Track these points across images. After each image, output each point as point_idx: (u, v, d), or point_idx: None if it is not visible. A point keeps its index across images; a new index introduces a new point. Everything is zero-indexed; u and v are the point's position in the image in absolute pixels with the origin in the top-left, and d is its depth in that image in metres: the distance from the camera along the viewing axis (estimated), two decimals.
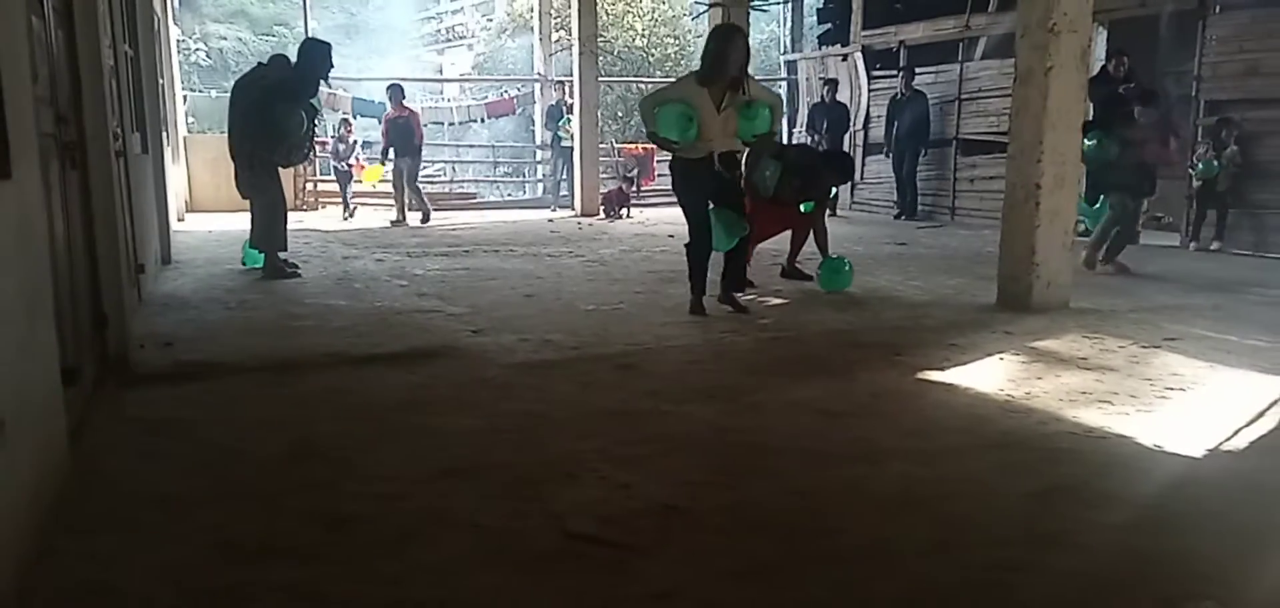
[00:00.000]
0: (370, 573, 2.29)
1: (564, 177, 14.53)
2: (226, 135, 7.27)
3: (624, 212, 13.02)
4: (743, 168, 6.13)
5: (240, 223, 8.56)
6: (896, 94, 12.53)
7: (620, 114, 25.56)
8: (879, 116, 13.22)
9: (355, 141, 12.73)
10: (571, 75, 13.77)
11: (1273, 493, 2.87)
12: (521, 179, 18.81)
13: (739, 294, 5.84)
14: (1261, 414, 3.67)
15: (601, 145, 14.31)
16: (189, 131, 15.29)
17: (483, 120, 20.40)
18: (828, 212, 7.88)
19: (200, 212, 12.81)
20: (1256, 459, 3.21)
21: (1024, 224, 5.66)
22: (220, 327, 5.31)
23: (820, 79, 14.01)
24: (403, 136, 11.47)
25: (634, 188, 13.91)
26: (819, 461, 3.14)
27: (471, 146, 21.01)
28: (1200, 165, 8.94)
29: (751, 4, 9.41)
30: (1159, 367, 4.38)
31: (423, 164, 12.46)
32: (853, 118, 13.63)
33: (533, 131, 18.78)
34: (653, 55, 26.31)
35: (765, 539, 2.51)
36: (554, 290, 6.65)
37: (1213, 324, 5.41)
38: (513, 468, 3.04)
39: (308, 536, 2.50)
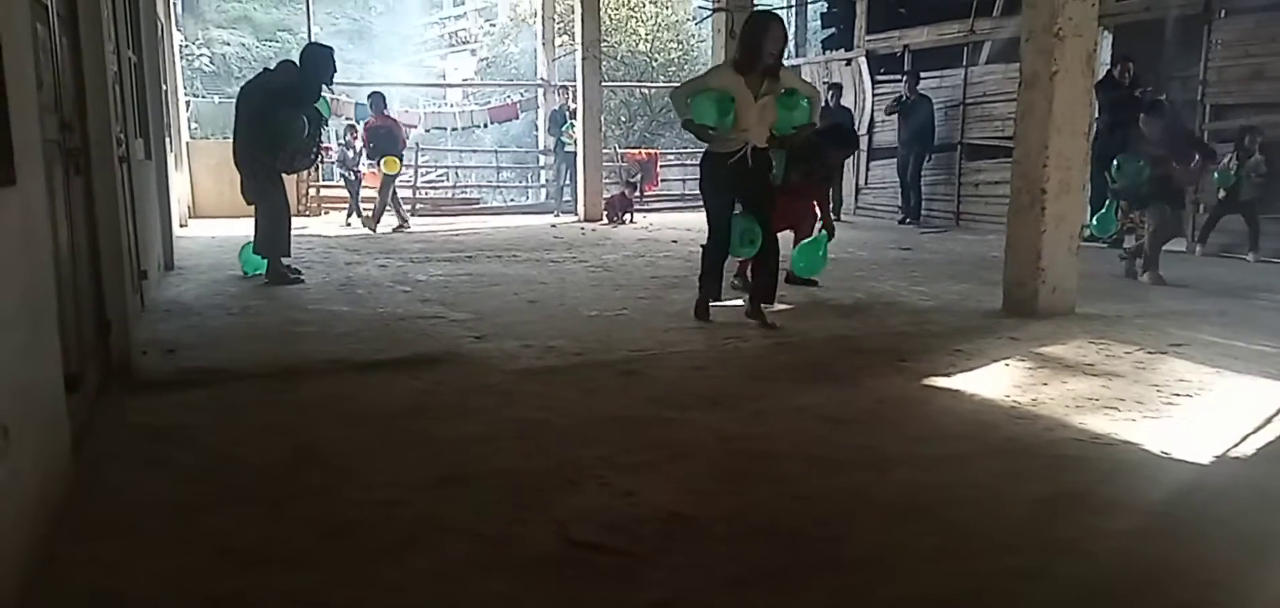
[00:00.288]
0: (372, 580, 2.28)
1: (567, 182, 14.52)
2: (232, 141, 7.27)
3: (627, 217, 13.02)
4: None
5: (243, 229, 8.56)
6: (900, 96, 12.47)
7: (624, 119, 25.58)
8: (883, 121, 13.21)
9: (362, 148, 12.73)
10: (575, 80, 13.78)
11: None
12: (525, 184, 18.81)
13: (767, 307, 5.53)
14: (1269, 420, 3.64)
15: (604, 151, 14.30)
16: (192, 137, 15.33)
17: (485, 125, 20.41)
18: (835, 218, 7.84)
19: (203, 217, 12.84)
20: (1264, 466, 3.19)
21: (1029, 229, 5.64)
22: (223, 333, 5.31)
23: (824, 83, 14.01)
24: (386, 144, 11.44)
25: (637, 193, 13.91)
26: (824, 467, 3.12)
27: (475, 152, 21.01)
28: (1216, 175, 8.74)
29: (755, 9, 9.38)
30: (1166, 373, 4.36)
31: (403, 168, 12.37)
32: (857, 122, 13.62)
33: (536, 137, 18.80)
34: (656, 60, 26.30)
35: (769, 547, 2.49)
36: (557, 296, 6.64)
37: (1219, 330, 5.38)
38: (515, 475, 3.03)
39: (309, 542, 2.50)
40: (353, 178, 12.42)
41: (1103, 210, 9.05)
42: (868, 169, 14.03)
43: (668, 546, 2.49)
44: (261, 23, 32.70)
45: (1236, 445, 3.35)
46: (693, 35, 25.80)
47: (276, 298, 6.49)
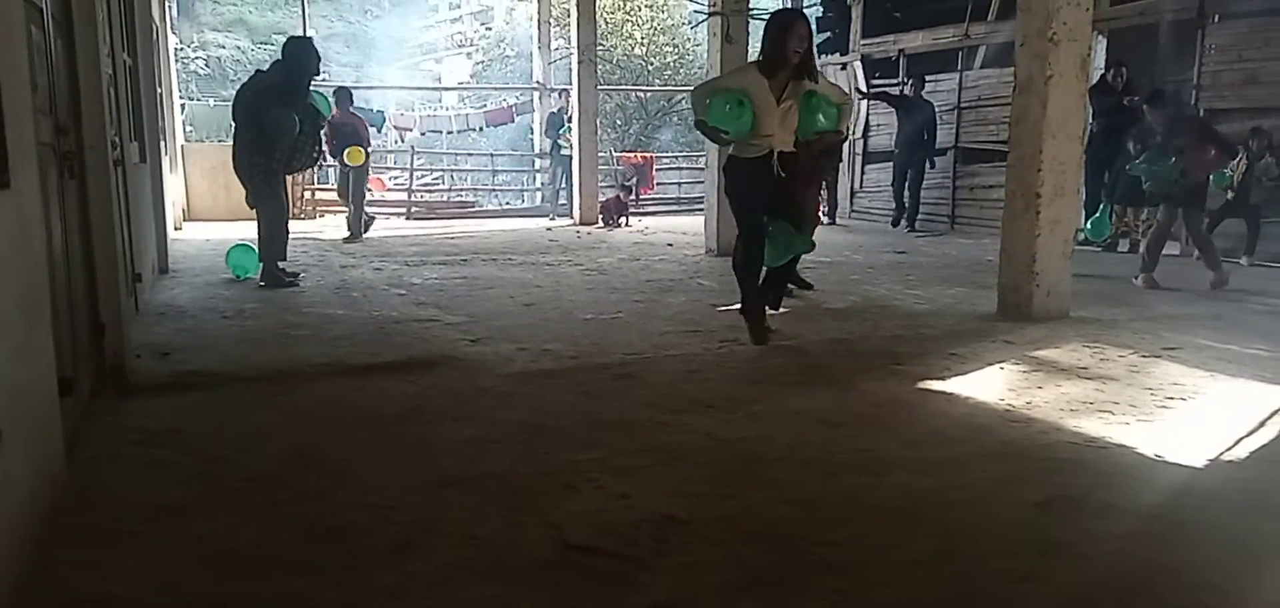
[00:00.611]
0: (366, 584, 2.27)
1: (563, 185, 14.51)
2: (232, 149, 7.22)
3: (622, 220, 13.03)
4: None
5: (238, 232, 8.56)
6: (902, 91, 12.27)
7: (619, 122, 25.62)
8: (879, 125, 13.20)
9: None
10: (570, 84, 13.78)
11: (1275, 503, 2.86)
12: (520, 188, 18.82)
13: (773, 312, 5.39)
14: (1263, 424, 3.66)
15: (599, 155, 14.30)
16: (186, 140, 15.30)
17: (481, 129, 20.43)
18: (826, 220, 7.84)
19: (198, 221, 12.81)
20: (1258, 469, 3.20)
21: (1024, 233, 5.66)
22: (217, 336, 5.30)
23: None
24: (350, 138, 10.77)
25: (633, 196, 13.91)
26: (819, 471, 3.13)
27: (471, 155, 21.03)
28: (1226, 174, 8.57)
29: (751, 13, 9.38)
30: (1160, 376, 4.38)
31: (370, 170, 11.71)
32: (852, 126, 13.62)
33: (532, 140, 18.82)
34: (652, 64, 26.36)
35: (764, 550, 2.49)
36: (552, 299, 6.64)
37: (1213, 333, 5.40)
38: (510, 478, 3.03)
39: (304, 546, 2.49)
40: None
41: (1097, 214, 9.09)
42: (863, 173, 14.05)
43: (663, 549, 2.48)
44: (256, 26, 32.70)
45: (1230, 449, 3.35)
46: (688, 39, 25.84)
47: (271, 301, 6.48)
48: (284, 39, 7.38)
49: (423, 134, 19.59)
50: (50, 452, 2.71)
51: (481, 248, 10.08)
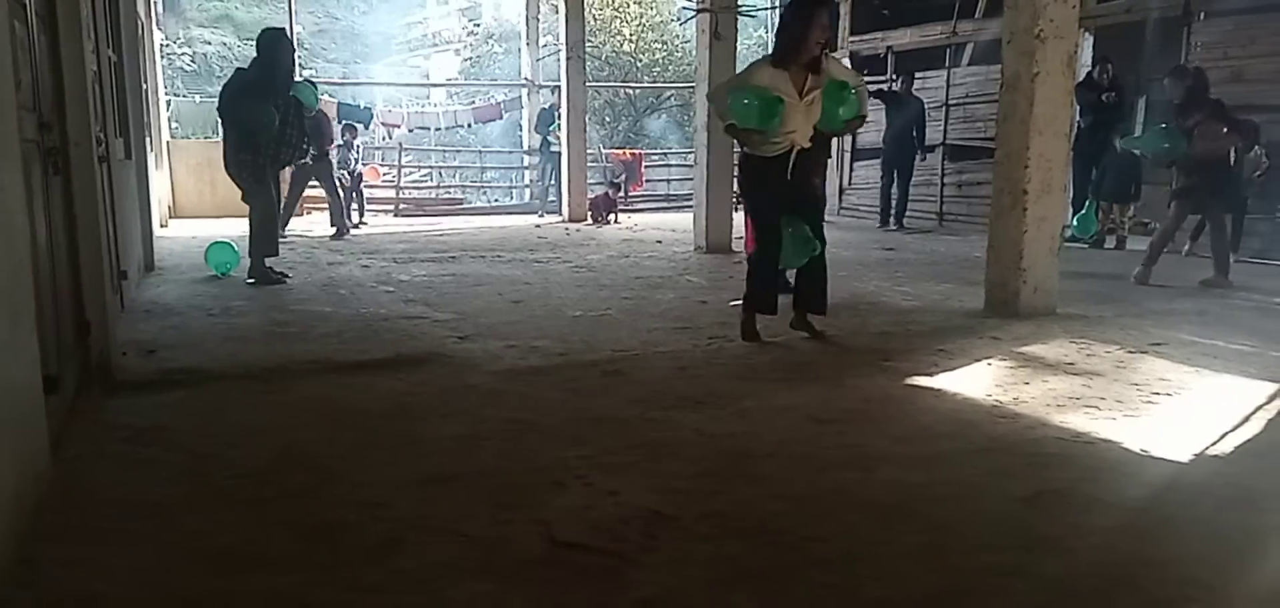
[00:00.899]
0: (354, 582, 2.27)
1: (552, 182, 14.48)
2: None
3: (612, 217, 13.03)
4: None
5: (224, 229, 8.52)
6: (890, 87, 12.16)
7: (608, 119, 25.59)
8: (869, 119, 13.18)
9: (361, 146, 12.58)
10: (558, 81, 13.76)
11: (1259, 497, 2.88)
12: (509, 185, 18.77)
13: (816, 317, 5.13)
14: (1247, 419, 3.69)
15: (588, 152, 14.29)
16: (173, 137, 15.21)
17: (470, 126, 20.37)
18: None
19: (183, 217, 12.75)
20: (1243, 463, 3.22)
21: (1011, 230, 5.68)
22: (204, 333, 5.27)
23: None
24: (312, 138, 10.76)
25: (622, 193, 13.91)
26: (807, 467, 3.13)
27: (459, 151, 20.97)
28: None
29: (739, 10, 9.39)
30: (1146, 372, 4.40)
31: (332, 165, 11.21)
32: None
33: (520, 137, 18.79)
34: (641, 61, 26.33)
35: (753, 546, 2.49)
36: (541, 296, 6.63)
37: (1199, 329, 5.43)
38: (499, 475, 3.02)
39: (292, 543, 2.48)
40: (350, 181, 12.20)
41: (1083, 211, 9.15)
42: (852, 170, 14.08)
43: (652, 545, 2.49)
44: (243, 22, 32.51)
45: (1215, 444, 3.38)
46: (677, 36, 25.82)
47: (259, 299, 6.45)
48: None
49: (411, 131, 19.50)
50: (35, 450, 2.69)
51: (470, 245, 10.06)
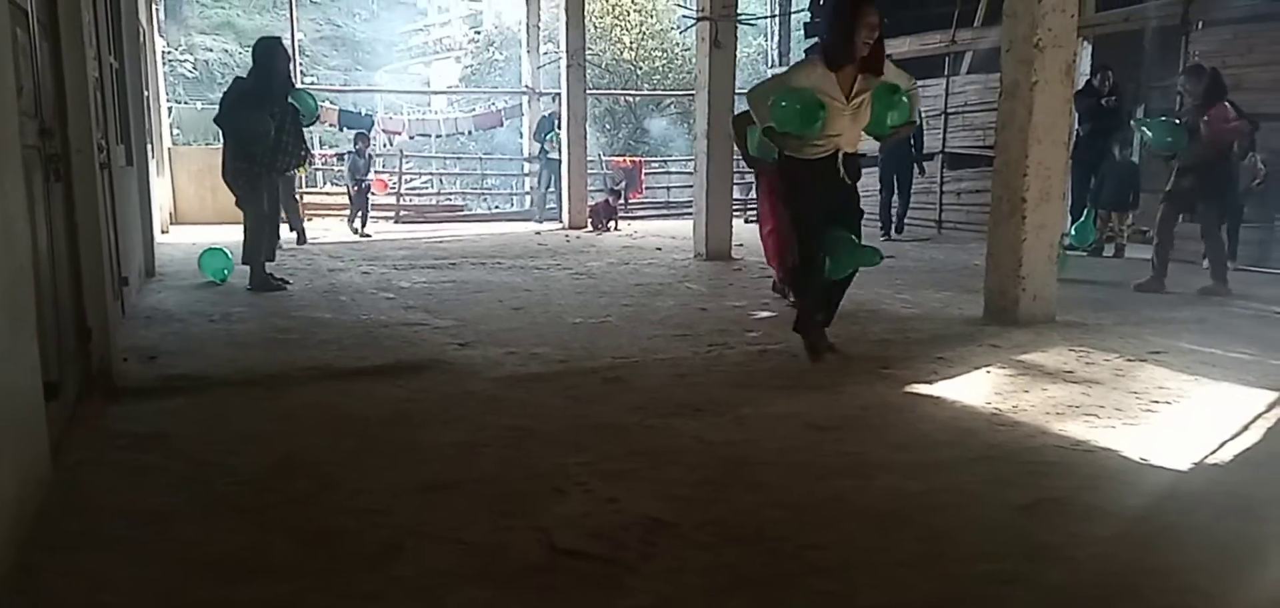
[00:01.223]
0: (353, 588, 2.27)
1: (552, 189, 14.48)
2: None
3: (612, 224, 13.04)
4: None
5: (225, 236, 8.52)
6: None
7: (608, 126, 25.64)
8: None
9: (372, 156, 12.58)
10: (559, 88, 13.78)
11: (1258, 506, 2.88)
12: (510, 192, 18.81)
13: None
14: (1246, 427, 3.68)
15: (589, 159, 14.30)
16: (174, 144, 15.25)
17: (470, 133, 20.41)
18: None
19: (184, 224, 12.76)
20: (1242, 472, 3.22)
21: (1010, 238, 5.68)
22: (205, 340, 5.27)
23: None
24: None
25: (622, 200, 13.92)
26: (806, 474, 3.14)
27: (459, 158, 21.01)
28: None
29: (739, 18, 9.42)
30: (1145, 380, 4.40)
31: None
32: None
33: (521, 144, 18.83)
34: (641, 69, 26.40)
35: (752, 553, 2.50)
36: (541, 303, 6.64)
37: (1198, 337, 5.44)
38: (498, 482, 3.03)
39: (292, 551, 2.48)
40: (357, 189, 12.19)
41: (1081, 220, 9.15)
42: None
43: (651, 552, 2.49)
44: (244, 29, 32.60)
45: (1214, 452, 3.38)
46: (677, 43, 25.89)
47: (259, 305, 6.46)
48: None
49: (411, 138, 19.55)
50: (35, 456, 2.69)
51: (470, 252, 10.07)
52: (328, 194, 15.73)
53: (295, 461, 3.20)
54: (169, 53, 20.19)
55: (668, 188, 18.09)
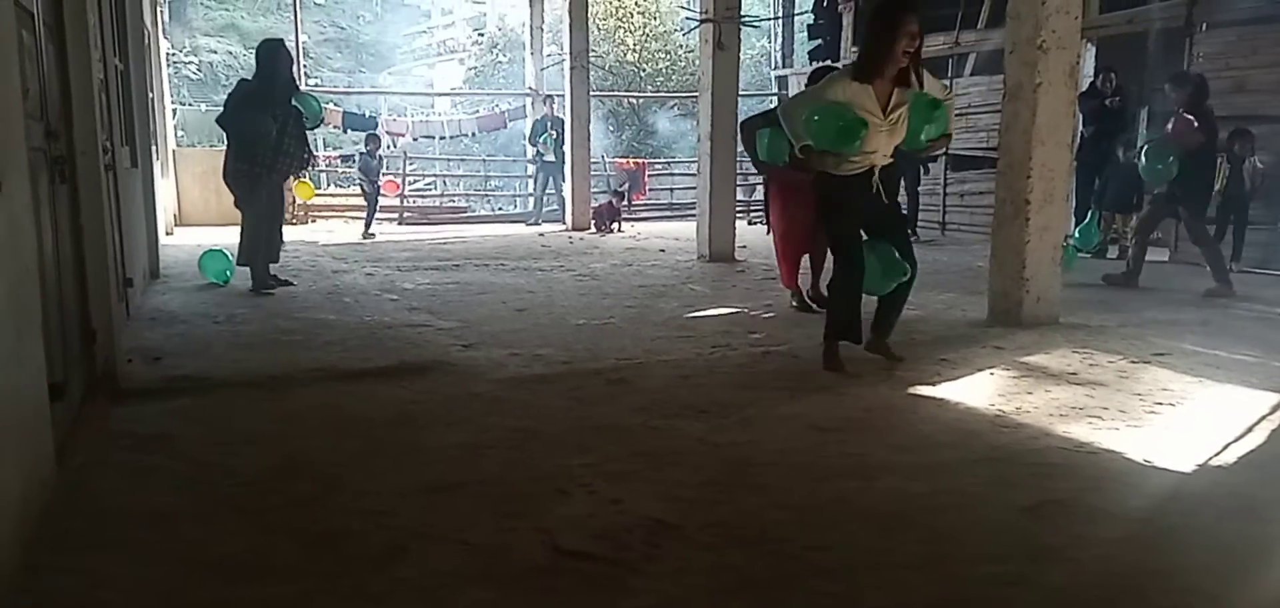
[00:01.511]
0: (358, 590, 2.27)
1: (550, 191, 14.48)
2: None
3: (615, 226, 13.04)
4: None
5: (229, 238, 8.53)
6: None
7: (612, 128, 25.66)
8: None
9: (382, 158, 12.57)
10: (562, 90, 13.78)
11: (1262, 508, 2.88)
12: (513, 193, 18.83)
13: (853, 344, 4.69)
14: (1250, 429, 3.68)
15: (593, 161, 14.31)
16: (178, 145, 15.28)
17: (474, 135, 20.44)
18: None
19: (189, 226, 12.77)
20: (1246, 474, 3.22)
21: (1014, 239, 5.68)
22: (209, 341, 5.28)
23: None
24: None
25: (625, 202, 13.92)
26: (810, 476, 3.14)
27: (463, 160, 21.04)
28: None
29: (742, 20, 9.42)
30: (1149, 382, 4.40)
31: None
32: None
33: (524, 146, 18.85)
34: (645, 70, 26.42)
35: (756, 554, 2.50)
36: (545, 305, 6.64)
37: (1202, 339, 5.43)
38: (502, 483, 3.03)
39: (296, 552, 2.49)
40: (371, 189, 12.19)
41: (1085, 221, 9.14)
42: None
43: (654, 554, 2.49)
44: (249, 31, 32.67)
45: (1218, 454, 3.37)
46: (681, 46, 25.90)
47: (263, 307, 6.47)
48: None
49: (415, 139, 19.59)
50: (40, 457, 2.70)
51: (474, 253, 10.08)
52: (332, 196, 15.77)
53: (299, 462, 3.21)
54: (173, 55, 20.24)
55: (671, 189, 18.09)
